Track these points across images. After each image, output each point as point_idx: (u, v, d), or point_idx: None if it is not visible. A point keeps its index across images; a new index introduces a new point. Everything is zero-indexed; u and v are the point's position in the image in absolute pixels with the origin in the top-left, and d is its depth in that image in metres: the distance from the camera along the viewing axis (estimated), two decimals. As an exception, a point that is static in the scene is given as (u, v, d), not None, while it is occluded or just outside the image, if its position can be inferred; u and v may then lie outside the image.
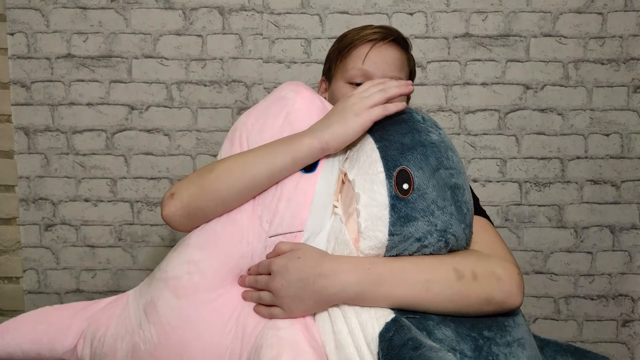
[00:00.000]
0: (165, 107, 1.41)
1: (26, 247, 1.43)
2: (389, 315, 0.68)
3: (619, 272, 1.45)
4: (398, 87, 0.76)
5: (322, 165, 0.77)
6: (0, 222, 1.42)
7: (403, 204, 0.70)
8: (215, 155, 1.42)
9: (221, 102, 1.41)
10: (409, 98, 1.13)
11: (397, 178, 0.71)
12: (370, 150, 0.75)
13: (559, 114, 1.42)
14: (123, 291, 1.43)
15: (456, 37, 1.40)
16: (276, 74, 1.41)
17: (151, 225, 1.44)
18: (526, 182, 1.43)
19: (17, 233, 1.43)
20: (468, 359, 0.64)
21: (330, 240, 0.75)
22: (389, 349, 0.63)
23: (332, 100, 1.00)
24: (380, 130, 0.77)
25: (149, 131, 1.42)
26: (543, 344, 0.82)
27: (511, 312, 0.73)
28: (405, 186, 0.70)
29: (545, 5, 1.39)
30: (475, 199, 0.91)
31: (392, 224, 0.70)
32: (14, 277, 1.44)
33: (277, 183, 0.75)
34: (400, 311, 0.69)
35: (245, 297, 0.74)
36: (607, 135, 1.42)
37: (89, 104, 1.41)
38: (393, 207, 0.70)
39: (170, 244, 1.43)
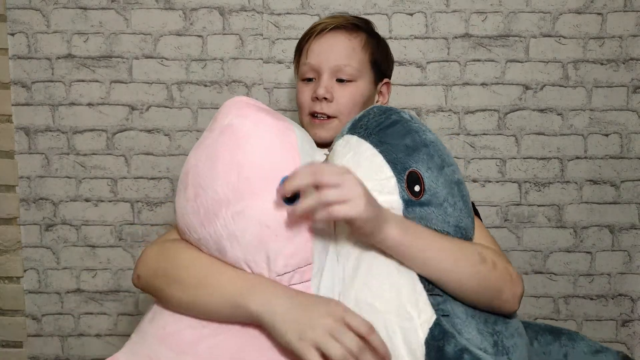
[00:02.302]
0: (166, 107, 1.42)
1: (27, 247, 1.44)
2: (431, 318, 0.67)
3: (618, 272, 1.45)
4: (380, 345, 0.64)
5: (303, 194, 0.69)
6: (0, 222, 1.43)
7: (417, 206, 0.71)
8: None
9: (221, 102, 1.40)
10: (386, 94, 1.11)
11: (408, 181, 0.71)
12: (371, 155, 0.73)
13: (559, 114, 1.42)
14: (123, 291, 1.44)
15: (456, 37, 1.40)
16: (276, 74, 1.41)
17: (151, 225, 1.44)
18: (525, 182, 1.44)
19: (18, 233, 1.43)
20: (490, 355, 0.66)
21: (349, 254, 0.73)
22: (440, 359, 0.64)
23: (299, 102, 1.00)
24: (374, 134, 0.75)
25: (149, 131, 1.42)
26: (525, 325, 0.86)
27: None
28: (417, 188, 0.71)
29: (544, 5, 1.39)
30: None
31: None
32: (15, 277, 1.44)
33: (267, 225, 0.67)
34: (438, 310, 0.69)
35: (295, 210, 0.65)
36: (607, 135, 1.42)
37: (89, 104, 1.41)
38: (407, 210, 0.71)
39: (171, 243, 1.43)
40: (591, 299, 1.45)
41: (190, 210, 0.71)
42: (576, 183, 1.43)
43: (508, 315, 0.74)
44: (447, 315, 0.69)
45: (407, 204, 0.71)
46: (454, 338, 0.65)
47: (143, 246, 1.44)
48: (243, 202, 0.67)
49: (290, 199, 0.66)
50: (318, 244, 0.70)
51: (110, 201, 1.43)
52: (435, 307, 0.69)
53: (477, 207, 0.92)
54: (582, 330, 1.45)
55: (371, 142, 0.74)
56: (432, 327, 0.66)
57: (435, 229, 0.71)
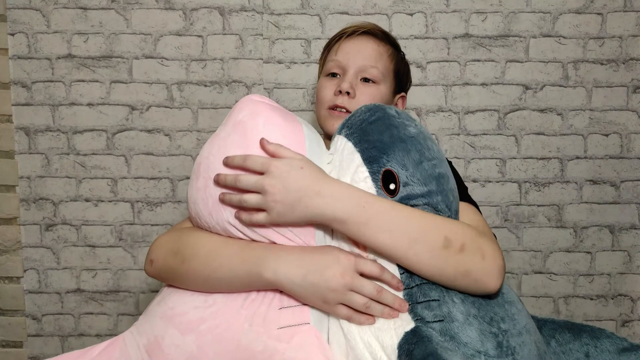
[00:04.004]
0: (166, 107, 1.42)
1: (27, 247, 1.44)
2: (408, 325, 0.67)
3: (618, 272, 1.45)
4: (393, 302, 0.69)
5: None
6: (1, 222, 1.43)
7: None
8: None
9: (221, 102, 1.42)
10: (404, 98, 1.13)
11: (383, 179, 0.71)
12: (350, 154, 0.74)
13: (559, 114, 1.42)
14: (124, 291, 1.44)
15: (456, 37, 1.40)
16: (276, 74, 1.41)
17: (151, 225, 1.44)
18: (526, 182, 1.44)
19: (18, 233, 1.43)
20: (492, 359, 0.64)
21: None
22: None
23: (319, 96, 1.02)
24: (356, 133, 0.75)
25: (149, 131, 1.42)
26: (540, 323, 0.83)
27: (510, 298, 0.73)
28: (392, 186, 0.71)
29: (544, 5, 1.39)
30: (464, 187, 0.91)
31: None
32: (15, 276, 1.44)
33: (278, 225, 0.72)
34: (422, 320, 0.68)
35: (223, 200, 0.71)
36: (607, 135, 1.42)
37: (89, 104, 1.41)
38: None
39: (171, 243, 1.43)
40: (591, 299, 1.45)
41: (200, 200, 0.75)
42: (576, 183, 1.43)
43: (515, 311, 0.72)
44: (442, 321, 0.67)
45: None
46: (429, 343, 0.64)
47: (143, 246, 1.44)
48: None
49: None
50: (320, 236, 0.73)
51: (110, 201, 1.43)
52: (423, 313, 0.68)
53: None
54: (582, 330, 1.45)
55: (353, 141, 0.75)
56: (408, 332, 0.66)
57: None
